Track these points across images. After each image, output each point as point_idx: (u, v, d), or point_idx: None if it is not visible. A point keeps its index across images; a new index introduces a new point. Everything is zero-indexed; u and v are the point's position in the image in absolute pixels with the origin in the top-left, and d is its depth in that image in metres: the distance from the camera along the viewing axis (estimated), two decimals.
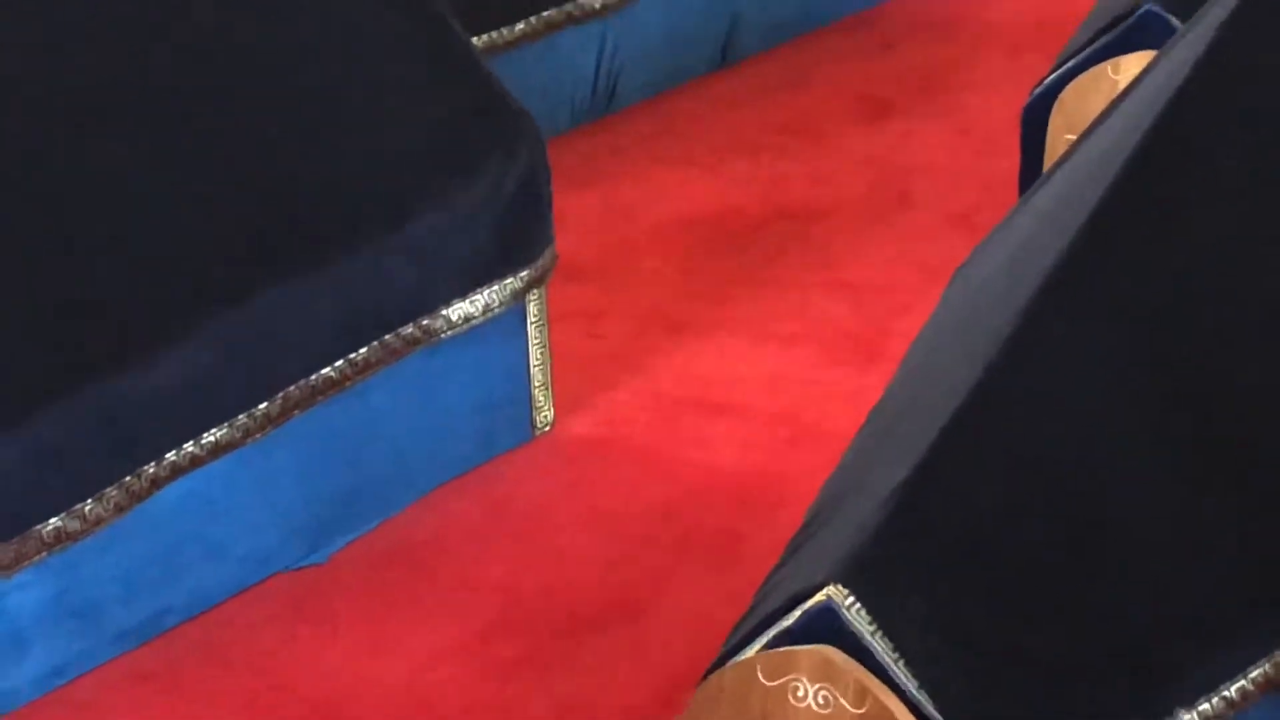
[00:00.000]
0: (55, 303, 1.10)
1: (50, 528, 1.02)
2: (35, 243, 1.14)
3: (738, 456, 1.40)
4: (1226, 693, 0.86)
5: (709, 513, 1.33)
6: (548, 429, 1.38)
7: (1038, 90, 1.45)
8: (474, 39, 1.48)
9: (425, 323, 1.25)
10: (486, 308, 1.28)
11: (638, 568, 1.29)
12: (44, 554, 1.03)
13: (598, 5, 1.78)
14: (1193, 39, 1.06)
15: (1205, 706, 0.86)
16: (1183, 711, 0.85)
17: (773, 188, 1.91)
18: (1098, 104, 1.31)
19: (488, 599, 1.22)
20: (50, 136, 1.16)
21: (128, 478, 1.06)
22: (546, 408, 1.37)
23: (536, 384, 1.36)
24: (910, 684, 0.85)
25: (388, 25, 1.35)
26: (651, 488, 1.37)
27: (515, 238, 1.32)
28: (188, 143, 1.21)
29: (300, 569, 1.23)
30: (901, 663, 0.85)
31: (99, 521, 1.05)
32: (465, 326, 1.28)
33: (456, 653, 1.16)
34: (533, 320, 1.34)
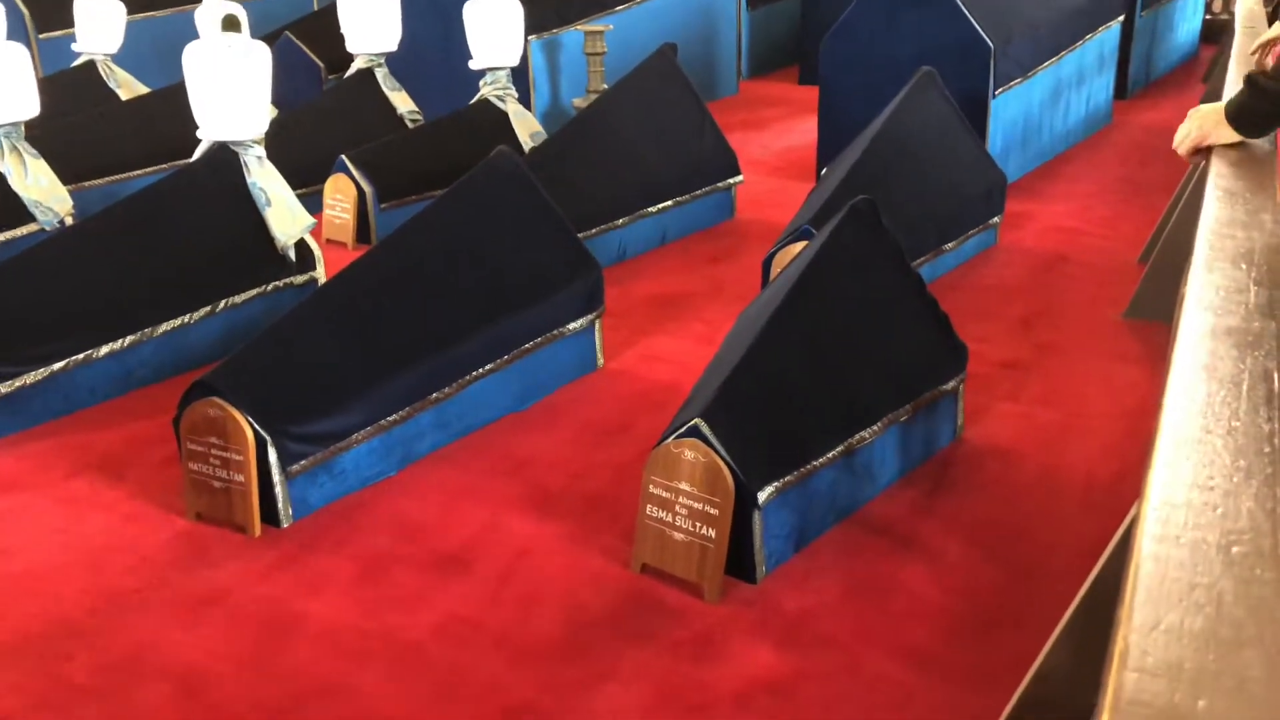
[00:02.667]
0: (384, 344, 3.55)
1: None
2: (379, 323, 3.56)
3: (669, 378, 3.83)
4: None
5: (660, 393, 3.74)
6: (601, 366, 3.83)
7: (771, 251, 3.96)
8: (579, 233, 3.99)
9: (565, 328, 3.68)
10: (584, 323, 3.72)
11: (630, 410, 3.67)
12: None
13: (620, 223, 4.37)
14: (818, 241, 3.56)
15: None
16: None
17: (686, 283, 4.44)
18: (785, 260, 3.81)
19: (586, 416, 3.64)
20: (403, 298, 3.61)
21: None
22: (600, 358, 3.81)
23: (598, 349, 3.80)
24: (719, 446, 2.67)
25: (537, 228, 3.82)
26: (636, 387, 3.78)
27: (592, 301, 3.76)
28: (453, 290, 3.66)
29: (515, 412, 3.63)
30: (715, 439, 2.57)
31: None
32: (578, 329, 3.71)
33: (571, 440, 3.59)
34: (598, 328, 3.79)
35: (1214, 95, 5.75)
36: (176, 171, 4.20)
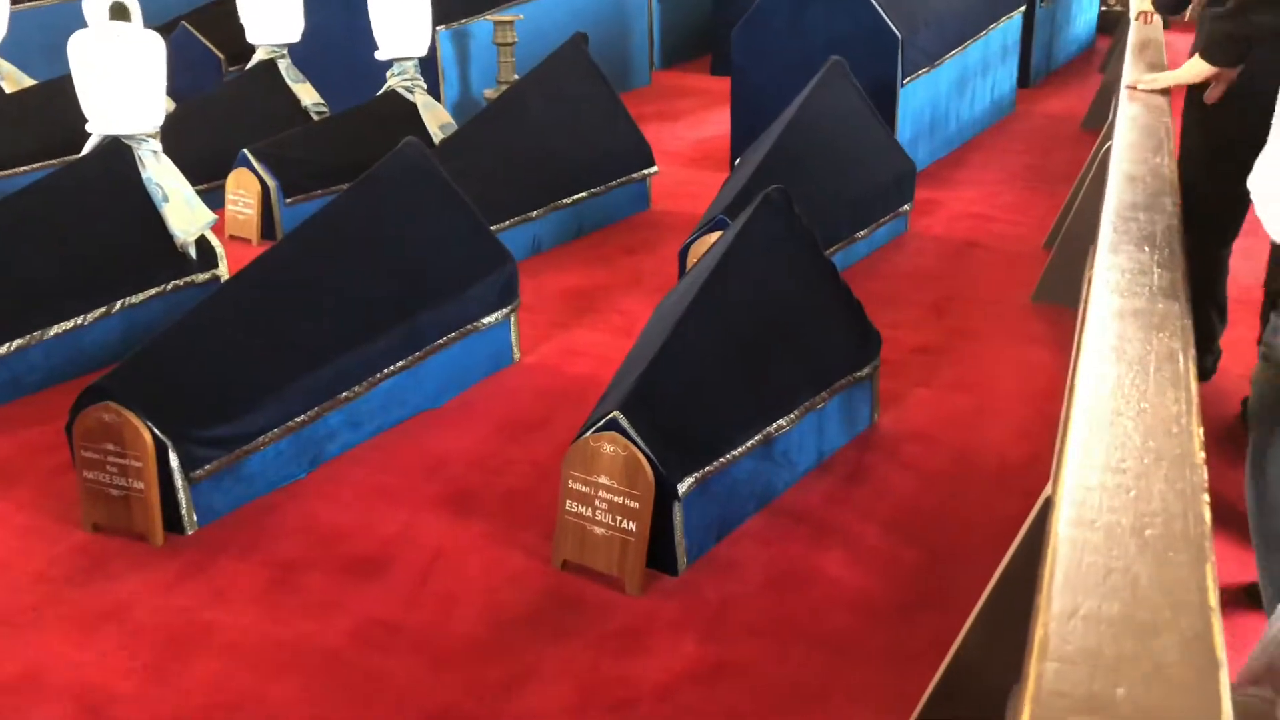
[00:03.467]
0: (292, 343, 3.45)
1: None
2: (285, 321, 3.47)
3: (587, 371, 3.79)
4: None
5: (578, 387, 3.70)
6: (517, 360, 3.77)
7: (686, 242, 3.95)
8: (492, 225, 3.92)
9: (480, 322, 3.61)
10: (499, 317, 3.65)
11: (548, 405, 3.61)
12: None
13: (534, 215, 4.31)
14: (732, 231, 3.56)
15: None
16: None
17: (602, 276, 4.40)
18: (701, 251, 3.80)
19: (503, 411, 3.59)
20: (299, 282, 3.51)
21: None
22: (517, 352, 3.75)
23: (514, 344, 3.74)
24: (638, 438, 2.50)
25: (449, 221, 3.75)
26: (554, 381, 3.74)
27: (506, 295, 3.70)
28: (361, 286, 3.57)
29: (431, 410, 3.56)
30: (634, 432, 2.51)
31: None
32: (493, 323, 3.65)
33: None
34: (513, 322, 3.73)
35: (1110, 85, 5.92)
36: (65, 167, 4.02)
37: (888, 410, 3.28)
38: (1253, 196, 1.68)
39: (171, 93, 7.17)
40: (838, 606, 2.43)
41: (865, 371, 3.09)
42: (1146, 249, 1.25)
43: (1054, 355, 3.67)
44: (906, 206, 4.82)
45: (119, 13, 3.90)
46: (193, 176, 5.33)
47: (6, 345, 3.47)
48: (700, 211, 4.62)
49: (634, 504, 2.42)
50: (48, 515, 2.84)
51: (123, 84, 3.79)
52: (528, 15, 6.82)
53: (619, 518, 2.44)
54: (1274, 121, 1.65)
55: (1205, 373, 3.20)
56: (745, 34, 5.50)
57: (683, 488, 2.45)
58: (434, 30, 6.39)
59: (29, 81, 6.31)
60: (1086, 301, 1.16)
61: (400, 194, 3.48)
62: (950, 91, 5.90)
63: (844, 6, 5.19)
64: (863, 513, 2.78)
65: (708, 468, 2.53)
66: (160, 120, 3.98)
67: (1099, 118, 6.04)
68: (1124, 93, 2.39)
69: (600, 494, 2.46)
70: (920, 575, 2.53)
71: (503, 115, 4.91)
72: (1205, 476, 0.76)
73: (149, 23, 8.26)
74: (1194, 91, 2.74)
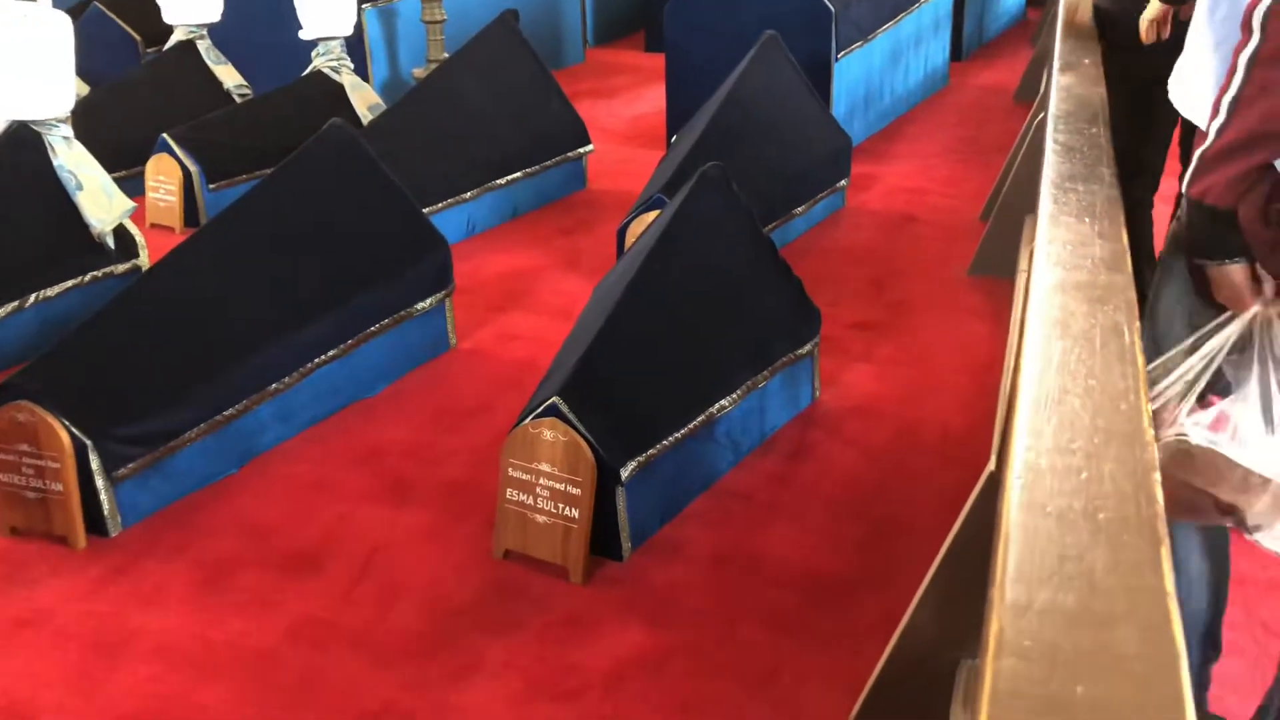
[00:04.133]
0: (217, 334, 3.35)
1: None
2: (210, 312, 3.36)
3: (526, 356, 3.73)
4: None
5: (517, 372, 3.64)
6: (454, 346, 3.69)
7: (624, 221, 3.89)
8: (424, 208, 3.82)
9: (414, 308, 3.52)
10: (434, 302, 3.57)
11: (491, 391, 3.53)
12: None
13: (467, 196, 4.22)
14: (670, 209, 3.50)
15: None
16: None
17: (539, 257, 4.33)
18: (640, 230, 3.74)
19: (440, 399, 3.51)
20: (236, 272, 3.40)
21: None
22: (453, 338, 3.67)
23: (450, 329, 3.66)
24: (579, 423, 2.38)
25: (379, 205, 3.65)
26: (492, 367, 3.67)
27: (441, 279, 3.61)
28: (288, 273, 3.46)
29: (365, 399, 3.47)
30: (574, 417, 2.38)
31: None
32: (427, 308, 3.56)
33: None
34: (448, 306, 3.64)
35: (1042, 57, 5.96)
36: None
37: (829, 387, 3.27)
38: (1172, 97, 2.01)
39: (86, 76, 6.94)
40: (784, 586, 2.41)
41: (806, 349, 3.07)
42: (1087, 220, 1.22)
43: (991, 327, 3.69)
44: (843, 182, 4.81)
45: None
46: (110, 163, 5.14)
47: None
48: (638, 190, 4.56)
49: (576, 490, 2.37)
50: None
51: (30, 67, 3.62)
52: None
53: (561, 505, 2.40)
54: (1189, 33, 1.97)
55: None
56: (678, 10, 5.44)
57: (625, 472, 2.41)
58: (360, 8, 6.22)
59: None
60: (1028, 275, 1.14)
61: (327, 177, 3.37)
62: (884, 65, 5.90)
63: None
64: (807, 491, 2.76)
65: (650, 451, 2.49)
66: (71, 105, 3.82)
67: (1031, 90, 6.09)
68: (1056, 64, 2.38)
69: (541, 481, 2.41)
70: (866, 551, 2.52)
71: (432, 95, 4.79)
72: (1155, 455, 0.74)
73: (59, 4, 7.95)
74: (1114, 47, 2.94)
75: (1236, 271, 1.46)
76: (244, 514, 2.72)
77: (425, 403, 3.28)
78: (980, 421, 3.05)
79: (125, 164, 5.06)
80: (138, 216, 4.86)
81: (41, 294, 3.63)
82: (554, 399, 2.39)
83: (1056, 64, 2.38)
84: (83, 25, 7.04)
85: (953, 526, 1.81)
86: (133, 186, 5.01)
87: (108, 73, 6.26)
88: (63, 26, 3.71)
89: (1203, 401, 1.41)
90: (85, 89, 6.15)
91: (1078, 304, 0.96)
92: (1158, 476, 0.69)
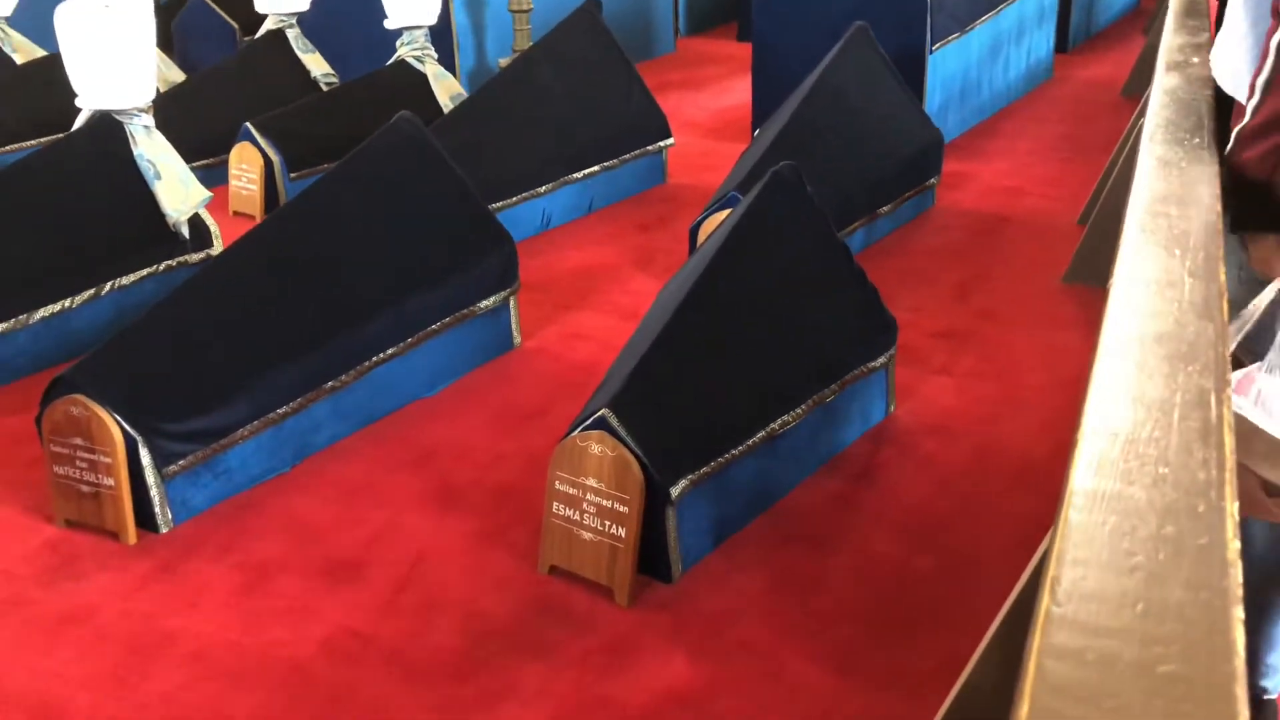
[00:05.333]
0: (275, 330, 3.30)
1: None
2: (268, 307, 3.25)
3: (590, 357, 3.62)
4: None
5: (580, 374, 3.53)
6: (518, 345, 3.61)
7: (697, 219, 3.75)
8: (498, 201, 3.74)
9: (477, 306, 3.44)
10: (497, 301, 3.49)
11: (551, 394, 3.43)
12: None
13: (542, 190, 4.13)
14: (739, 210, 3.36)
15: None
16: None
17: (612, 254, 4.22)
18: (711, 229, 3.59)
19: (500, 400, 3.42)
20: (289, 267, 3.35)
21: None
22: (518, 336, 3.59)
23: (514, 328, 3.58)
24: (628, 437, 2.45)
25: (445, 200, 3.57)
26: (555, 368, 3.57)
27: (506, 277, 3.52)
28: (349, 268, 3.39)
29: (424, 399, 3.41)
30: (623, 431, 2.21)
31: None
32: (491, 307, 3.49)
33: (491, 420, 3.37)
34: (513, 305, 3.56)
35: (1154, 48, 5.60)
36: (54, 143, 3.89)
37: (905, 401, 3.08)
38: (1214, 73, 2.05)
39: (186, 64, 7.07)
40: (841, 620, 2.26)
41: (880, 362, 2.89)
42: (1177, 252, 1.05)
43: (1084, 340, 3.44)
44: (933, 180, 4.58)
45: None
46: (198, 151, 5.21)
47: None
48: (719, 184, 4.41)
49: (623, 508, 2.26)
50: (22, 509, 2.73)
51: (112, 57, 3.65)
52: None
53: (607, 522, 2.28)
54: (1227, 9, 2.00)
55: None
56: (767, 0, 5.26)
57: (675, 490, 2.28)
58: None
59: (40, 53, 6.20)
60: (1103, 316, 0.98)
61: (393, 170, 3.31)
62: (982, 58, 5.63)
63: None
64: (873, 516, 2.59)
65: (704, 469, 2.36)
66: (151, 94, 3.84)
67: (1141, 84, 5.73)
68: (1161, 61, 2.16)
69: (588, 497, 2.30)
70: (932, 586, 2.35)
71: (510, 86, 4.72)
72: (1238, 579, 0.58)
73: None
74: None
75: (1270, 242, 1.58)
76: (293, 514, 2.68)
77: (484, 404, 3.20)
78: (1066, 445, 2.83)
79: (213, 151, 5.12)
80: (221, 204, 4.91)
81: (118, 282, 3.66)
82: (603, 411, 2.27)
83: (1162, 61, 2.16)
84: (185, 15, 7.21)
85: (1025, 570, 1.64)
86: (219, 174, 5.06)
87: (208, 61, 6.36)
88: (144, 17, 3.73)
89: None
90: (181, 76, 6.27)
91: (1157, 362, 0.80)
92: (1240, 614, 0.54)
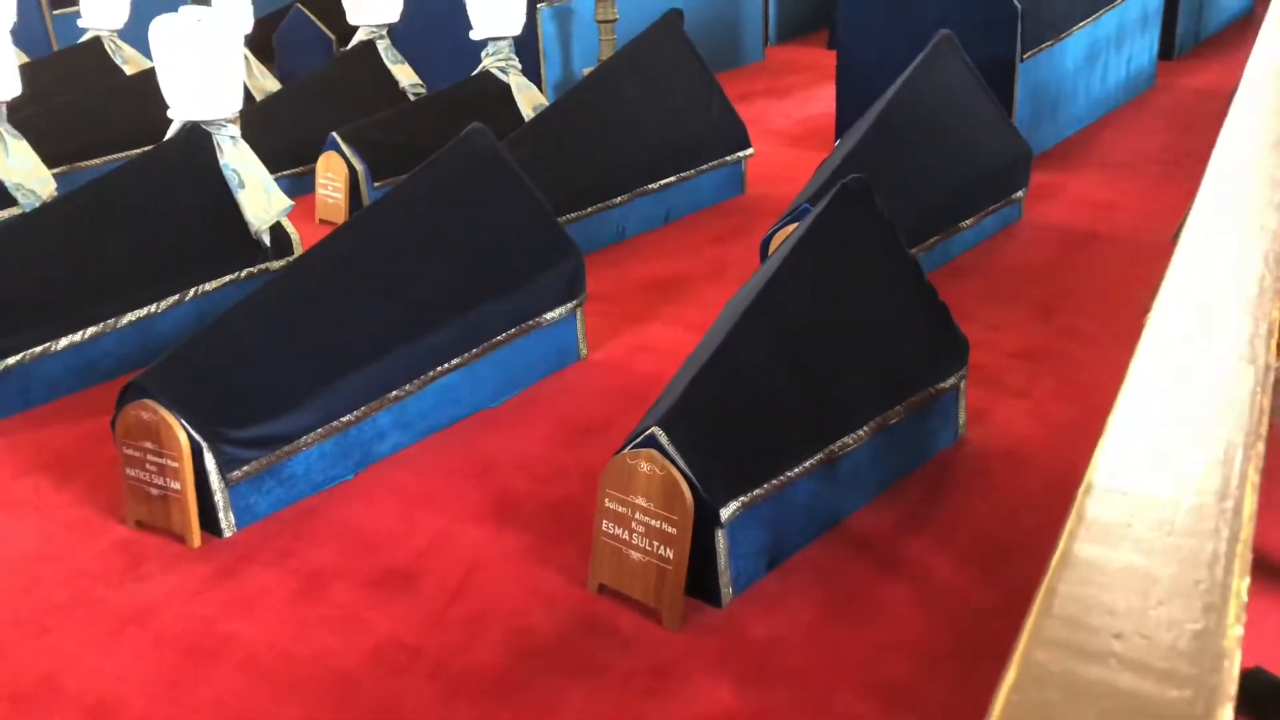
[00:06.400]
0: (341, 338, 3.33)
1: None
2: (335, 315, 3.27)
3: (656, 370, 3.58)
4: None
5: (645, 387, 3.49)
6: (584, 357, 3.59)
7: (769, 232, 3.68)
8: (559, 217, 3.74)
9: (543, 317, 3.44)
10: (564, 313, 3.48)
11: (614, 407, 3.41)
12: None
13: (618, 201, 4.12)
14: (805, 224, 3.29)
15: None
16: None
17: (686, 266, 4.18)
18: (781, 241, 3.53)
19: (563, 413, 3.41)
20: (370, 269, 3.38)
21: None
22: (584, 348, 3.57)
23: (580, 340, 3.57)
24: (678, 457, 2.17)
25: (514, 212, 3.57)
26: (620, 381, 3.54)
27: (573, 289, 3.50)
28: (416, 278, 3.40)
29: (485, 409, 3.42)
30: (673, 450, 2.16)
31: None
32: (557, 319, 3.48)
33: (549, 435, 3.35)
34: (579, 316, 3.55)
35: None
36: (146, 153, 4.03)
37: (977, 424, 2.97)
38: None
39: (286, 73, 7.28)
40: (896, 651, 2.17)
41: (949, 383, 2.79)
42: (1219, 287, 0.96)
43: None
44: (1020, 193, 4.43)
45: None
46: (289, 159, 5.35)
47: (81, 333, 3.48)
48: (796, 195, 4.34)
49: (671, 529, 2.22)
50: (96, 509, 2.82)
51: (201, 70, 3.76)
52: None
53: (656, 543, 2.24)
54: None
55: None
56: (853, 6, 5.16)
57: (726, 513, 2.23)
58: (536, 8, 6.24)
59: (149, 65, 6.45)
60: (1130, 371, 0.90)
61: (463, 182, 3.33)
62: (1078, 66, 5.42)
63: None
64: (937, 543, 2.50)
65: (757, 490, 2.30)
66: (239, 105, 3.94)
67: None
68: (1249, 68, 2.02)
69: (637, 516, 2.26)
70: (993, 620, 2.25)
71: (590, 96, 4.72)
72: (1234, 671, 0.51)
73: (264, 6, 8.37)
74: None
75: None
76: (352, 522, 2.70)
77: (547, 416, 3.19)
78: None
79: (304, 159, 5.24)
80: (306, 212, 5.03)
81: (200, 288, 3.77)
82: (653, 429, 2.24)
83: (1250, 68, 2.02)
84: (285, 26, 7.42)
85: None
86: (307, 182, 5.19)
87: (307, 70, 6.53)
88: (233, 31, 3.84)
89: None
90: (276, 85, 6.45)
91: (1176, 434, 0.71)
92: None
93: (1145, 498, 0.66)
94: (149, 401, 2.60)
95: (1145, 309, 3.50)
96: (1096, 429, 2.78)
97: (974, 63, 4.35)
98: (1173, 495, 0.65)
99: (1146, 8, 6.00)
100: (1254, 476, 0.64)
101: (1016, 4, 4.73)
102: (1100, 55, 5.61)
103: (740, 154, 4.98)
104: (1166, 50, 6.75)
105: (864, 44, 5.13)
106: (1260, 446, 0.68)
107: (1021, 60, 4.84)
